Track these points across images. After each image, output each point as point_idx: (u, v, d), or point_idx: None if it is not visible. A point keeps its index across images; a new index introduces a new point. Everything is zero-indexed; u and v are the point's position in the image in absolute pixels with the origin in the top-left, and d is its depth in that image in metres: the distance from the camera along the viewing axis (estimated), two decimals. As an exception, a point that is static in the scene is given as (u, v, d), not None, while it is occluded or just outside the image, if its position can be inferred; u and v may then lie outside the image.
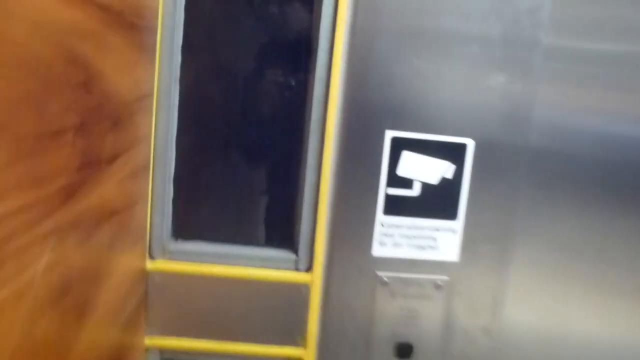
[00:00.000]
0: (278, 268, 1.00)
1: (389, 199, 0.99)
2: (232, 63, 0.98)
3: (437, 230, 1.02)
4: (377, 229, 1.00)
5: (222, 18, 0.97)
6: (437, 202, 1.01)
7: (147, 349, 0.99)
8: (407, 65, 0.96)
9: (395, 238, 1.00)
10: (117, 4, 0.69)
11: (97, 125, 0.66)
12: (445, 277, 1.03)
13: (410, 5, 0.95)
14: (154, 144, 0.93)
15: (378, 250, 1.01)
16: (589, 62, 1.01)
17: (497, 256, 1.04)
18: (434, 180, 1.00)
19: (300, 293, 1.00)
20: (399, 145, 0.98)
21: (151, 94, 0.90)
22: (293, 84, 0.99)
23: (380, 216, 1.00)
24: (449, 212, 1.02)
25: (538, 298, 1.08)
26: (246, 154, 1.00)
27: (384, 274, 1.01)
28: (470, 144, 0.99)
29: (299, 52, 0.98)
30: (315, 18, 0.96)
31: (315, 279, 1.00)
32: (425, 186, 1.00)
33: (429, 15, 0.95)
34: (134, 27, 0.78)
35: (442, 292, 1.04)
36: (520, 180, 1.02)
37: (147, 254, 0.97)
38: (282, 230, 1.03)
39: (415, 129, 0.98)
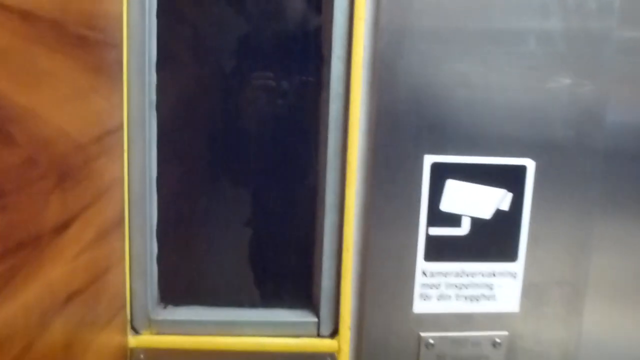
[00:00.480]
0: (295, 335, 0.79)
1: (432, 240, 0.78)
2: (222, 79, 0.77)
3: (493, 275, 0.81)
4: (418, 280, 0.79)
5: (205, 22, 0.76)
6: (492, 240, 0.80)
7: None
8: (447, 72, 0.75)
9: (441, 289, 0.79)
10: (50, 10, 0.48)
11: (27, 189, 0.46)
12: (504, 333, 0.82)
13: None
14: (129, 191, 0.73)
15: (420, 305, 0.79)
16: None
17: (567, 302, 0.83)
18: (486, 214, 0.79)
19: (324, 364, 0.79)
20: (441, 173, 0.77)
21: (119, 128, 0.69)
22: (302, 102, 0.78)
23: (421, 263, 0.78)
24: (507, 253, 0.81)
25: (618, 351, 0.87)
26: (248, 192, 0.79)
27: (428, 335, 0.80)
28: (530, 166, 0.78)
29: (307, 62, 0.77)
30: (326, 17, 0.75)
31: (342, 346, 0.79)
32: (476, 222, 0.79)
33: (472, 7, 0.74)
34: (86, 42, 0.58)
35: (501, 350, 0.83)
36: (592, 202, 0.81)
37: (128, 328, 0.76)
38: (297, 286, 0.82)
39: (461, 150, 0.77)
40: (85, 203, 0.59)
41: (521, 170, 0.78)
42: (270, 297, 0.81)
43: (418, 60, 0.74)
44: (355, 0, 0.72)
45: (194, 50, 0.77)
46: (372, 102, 0.75)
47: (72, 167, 0.55)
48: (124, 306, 0.75)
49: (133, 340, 0.76)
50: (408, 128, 0.75)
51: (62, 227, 0.53)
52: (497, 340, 0.82)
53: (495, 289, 0.81)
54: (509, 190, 0.79)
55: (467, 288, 0.80)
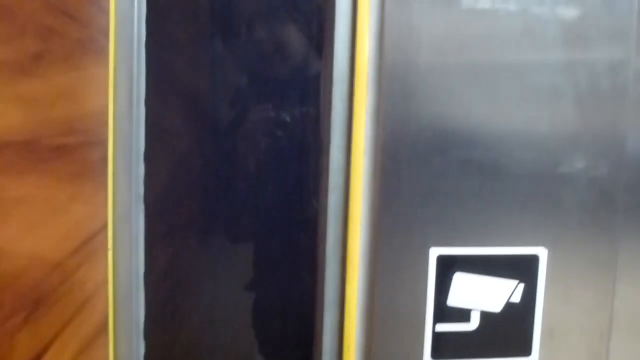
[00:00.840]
0: None
1: (439, 337, 0.73)
2: (213, 163, 0.73)
3: (506, 372, 0.75)
4: (426, 380, 0.73)
5: (196, 104, 0.72)
6: (504, 334, 0.75)
7: None
8: (452, 161, 0.71)
9: (450, 390, 0.74)
10: (22, 131, 0.44)
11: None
12: None
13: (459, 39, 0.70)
14: (114, 291, 0.68)
15: (428, 408, 0.74)
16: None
17: (586, 396, 0.77)
18: (497, 307, 0.74)
19: None
20: (448, 266, 0.72)
21: (103, 228, 0.65)
22: (298, 199, 0.73)
23: (428, 362, 0.73)
24: (520, 347, 0.75)
25: None
26: (242, 288, 0.74)
27: None
28: (542, 254, 0.73)
29: (307, 154, 0.73)
30: (325, 107, 0.71)
31: None
32: (486, 316, 0.74)
33: (477, 103, 0.70)
34: (64, 151, 0.54)
35: None
36: (610, 290, 0.76)
37: None
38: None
39: (468, 241, 0.72)
40: (63, 322, 0.54)
41: (533, 259, 0.74)
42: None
43: (420, 150, 0.70)
44: (355, 89, 0.68)
45: (184, 134, 0.74)
46: (375, 193, 0.70)
47: (47, 291, 0.50)
48: (109, 414, 0.69)
49: None
50: (413, 219, 0.70)
51: (34, 361, 0.48)
52: None
53: (509, 386, 0.75)
54: (521, 280, 0.74)
55: (478, 387, 0.74)
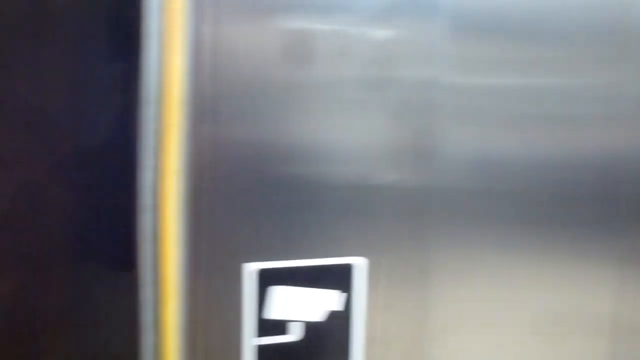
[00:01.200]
0: None
1: (263, 351, 0.74)
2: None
3: (331, 380, 0.78)
4: (250, 396, 0.74)
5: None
6: (325, 344, 0.77)
7: None
8: (266, 176, 0.73)
9: (275, 403, 0.75)
10: None
11: None
12: None
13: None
14: None
15: None
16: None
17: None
18: (315, 317, 0.76)
19: None
20: (265, 280, 0.73)
21: None
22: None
23: (251, 377, 0.74)
24: (341, 355, 0.78)
25: None
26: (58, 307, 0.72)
27: None
28: (361, 264, 0.77)
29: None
30: (139, 127, 0.70)
31: None
32: (308, 326, 0.76)
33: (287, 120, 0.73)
34: None
35: None
36: (429, 298, 0.81)
37: None
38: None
39: (285, 255, 0.74)
40: None
41: (348, 269, 0.77)
42: None
43: (232, 168, 0.71)
44: (166, 108, 0.68)
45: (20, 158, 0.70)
46: (188, 212, 0.71)
47: None
48: None
49: None
50: (228, 237, 0.72)
51: None
52: None
53: (335, 394, 0.78)
54: (339, 290, 0.77)
55: (303, 398, 0.76)
